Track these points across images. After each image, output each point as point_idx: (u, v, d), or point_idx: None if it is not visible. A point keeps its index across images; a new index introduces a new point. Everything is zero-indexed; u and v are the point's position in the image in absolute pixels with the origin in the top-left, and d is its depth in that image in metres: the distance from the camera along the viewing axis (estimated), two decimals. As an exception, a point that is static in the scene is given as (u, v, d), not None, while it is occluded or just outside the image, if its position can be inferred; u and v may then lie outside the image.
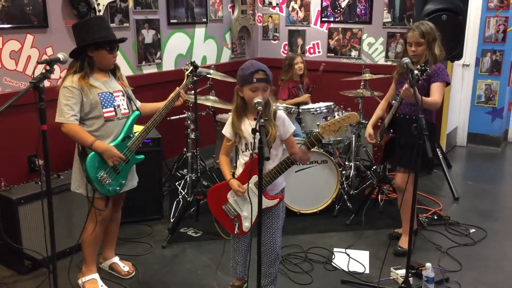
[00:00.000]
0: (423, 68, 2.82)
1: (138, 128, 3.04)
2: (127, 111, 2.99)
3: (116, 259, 3.31)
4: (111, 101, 2.89)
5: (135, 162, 3.05)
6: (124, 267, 3.27)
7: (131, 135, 2.98)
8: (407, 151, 3.30)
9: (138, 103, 3.16)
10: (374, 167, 4.76)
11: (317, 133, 2.55)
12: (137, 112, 3.04)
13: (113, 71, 3.01)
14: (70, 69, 2.83)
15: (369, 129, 3.59)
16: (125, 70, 4.51)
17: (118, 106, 2.93)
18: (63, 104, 2.75)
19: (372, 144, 3.68)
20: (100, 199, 2.93)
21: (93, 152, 2.80)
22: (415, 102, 2.79)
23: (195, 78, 3.41)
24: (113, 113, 2.90)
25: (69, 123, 2.75)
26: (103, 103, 2.85)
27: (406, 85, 3.13)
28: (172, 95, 3.14)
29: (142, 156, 3.06)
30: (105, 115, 2.86)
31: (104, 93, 2.86)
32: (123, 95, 2.99)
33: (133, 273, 3.27)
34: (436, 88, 3.26)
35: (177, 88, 3.17)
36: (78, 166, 2.89)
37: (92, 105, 2.82)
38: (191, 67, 3.37)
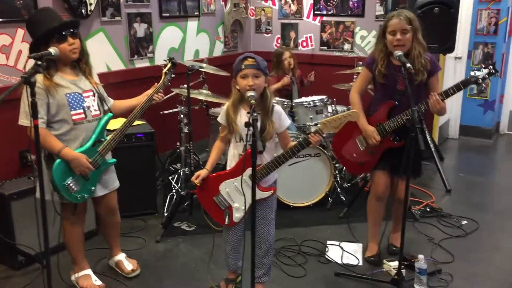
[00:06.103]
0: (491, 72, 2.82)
1: (114, 123, 2.88)
2: (98, 112, 2.80)
3: (121, 257, 3.24)
4: (80, 102, 2.71)
5: (106, 167, 2.87)
6: (128, 265, 3.19)
7: (103, 139, 2.79)
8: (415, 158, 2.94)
9: (111, 102, 2.98)
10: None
11: (318, 129, 2.56)
12: (109, 114, 2.85)
13: (82, 67, 2.78)
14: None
15: (373, 129, 3.12)
16: (117, 64, 4.50)
17: (88, 107, 2.74)
18: (27, 106, 2.35)
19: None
20: (68, 206, 2.83)
21: (60, 159, 2.64)
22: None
23: (173, 76, 3.11)
24: (83, 116, 2.71)
25: None
26: (71, 104, 2.66)
27: (436, 96, 2.90)
28: (149, 94, 2.92)
29: (114, 160, 2.92)
30: (74, 117, 2.68)
31: (72, 94, 2.68)
32: (94, 95, 2.80)
33: (138, 271, 3.21)
34: (436, 81, 3.12)
35: (153, 89, 2.95)
36: (45, 171, 2.64)
37: (59, 106, 2.63)
38: (170, 64, 3.09)
